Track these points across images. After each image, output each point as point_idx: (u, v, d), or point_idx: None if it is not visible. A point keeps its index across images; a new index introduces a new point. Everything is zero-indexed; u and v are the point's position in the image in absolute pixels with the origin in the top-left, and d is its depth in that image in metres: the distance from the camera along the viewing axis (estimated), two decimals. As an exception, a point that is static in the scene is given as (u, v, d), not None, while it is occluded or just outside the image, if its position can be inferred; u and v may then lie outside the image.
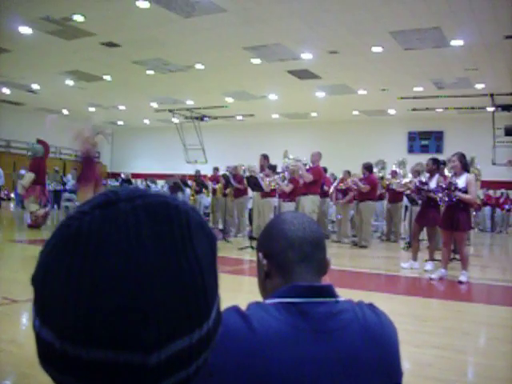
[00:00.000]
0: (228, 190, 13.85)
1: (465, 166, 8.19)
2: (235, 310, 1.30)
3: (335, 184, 13.63)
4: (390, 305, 6.43)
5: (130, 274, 0.53)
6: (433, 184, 8.97)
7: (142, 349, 0.53)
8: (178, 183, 17.22)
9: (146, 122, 26.64)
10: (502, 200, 19.56)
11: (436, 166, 9.53)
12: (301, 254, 1.40)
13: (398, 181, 12.57)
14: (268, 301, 1.34)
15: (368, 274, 9.20)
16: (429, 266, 9.30)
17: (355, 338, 1.29)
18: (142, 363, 0.53)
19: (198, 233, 0.61)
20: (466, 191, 7.90)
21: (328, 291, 1.36)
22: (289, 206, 11.72)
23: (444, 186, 8.15)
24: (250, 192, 13.41)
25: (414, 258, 9.52)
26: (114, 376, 0.53)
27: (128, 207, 0.56)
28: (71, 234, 0.55)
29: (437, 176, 9.31)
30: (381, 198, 14.02)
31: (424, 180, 9.55)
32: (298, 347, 1.24)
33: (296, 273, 1.39)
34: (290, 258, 1.41)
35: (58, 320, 0.54)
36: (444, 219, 8.33)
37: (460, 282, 8.03)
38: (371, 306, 1.41)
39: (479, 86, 16.12)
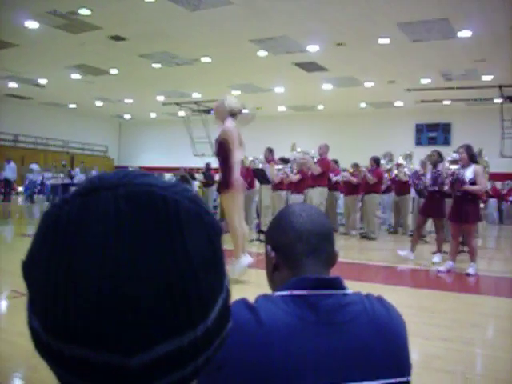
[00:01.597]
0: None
1: (472, 157, 8.16)
2: (243, 302, 1.31)
3: (343, 177, 13.59)
4: (397, 297, 6.43)
5: (106, 271, 0.48)
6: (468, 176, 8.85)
7: (121, 351, 0.49)
8: (185, 176, 17.23)
9: (153, 115, 26.65)
10: (504, 192, 19.41)
11: (441, 159, 9.55)
12: (309, 247, 1.40)
13: (405, 170, 12.62)
14: (276, 293, 1.35)
15: (376, 266, 9.20)
16: (436, 258, 9.29)
17: (364, 330, 1.30)
18: (123, 365, 0.49)
19: (192, 225, 0.54)
20: (473, 183, 7.89)
21: (336, 283, 1.36)
22: (297, 199, 11.74)
23: (450, 178, 8.17)
24: (256, 185, 13.41)
25: (412, 249, 9.51)
26: (98, 374, 0.50)
27: (109, 196, 0.52)
28: (51, 222, 0.53)
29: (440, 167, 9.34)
30: (388, 190, 14.01)
31: (420, 172, 9.63)
32: (306, 339, 1.25)
33: (304, 265, 1.39)
34: (298, 251, 1.41)
35: (42, 311, 0.52)
36: (452, 211, 8.32)
37: (468, 275, 8.02)
38: (380, 298, 1.42)
39: (487, 78, 16.04)
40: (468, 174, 7.97)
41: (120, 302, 0.48)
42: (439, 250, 9.48)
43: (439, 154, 9.59)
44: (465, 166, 8.09)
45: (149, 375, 0.51)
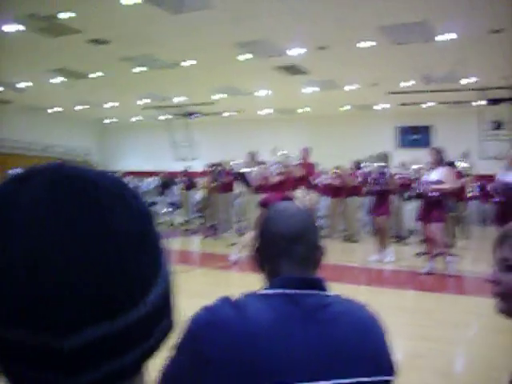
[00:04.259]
0: (213, 185, 13.87)
1: (440, 159, 8.33)
2: (226, 300, 1.34)
3: (326, 180, 13.64)
4: (381, 298, 6.48)
5: (31, 255, 0.49)
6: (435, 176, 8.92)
7: (52, 331, 0.49)
8: (167, 180, 17.30)
9: (135, 119, 26.53)
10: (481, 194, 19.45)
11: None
12: (279, 249, 1.44)
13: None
14: (261, 291, 1.38)
15: (359, 268, 9.25)
16: (374, 257, 9.69)
17: (345, 330, 1.33)
18: (56, 348, 0.50)
19: (115, 207, 0.55)
20: (441, 183, 8.08)
21: (318, 284, 1.41)
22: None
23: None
24: (236, 188, 13.45)
25: (381, 250, 9.67)
26: (34, 358, 0.50)
27: (37, 182, 0.54)
28: None
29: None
30: (369, 193, 14.10)
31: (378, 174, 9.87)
32: (291, 335, 1.27)
33: (278, 266, 1.43)
34: (271, 253, 1.46)
35: None
36: (421, 213, 8.52)
37: (428, 273, 8.19)
38: (360, 303, 1.46)
39: (467, 81, 16.16)
40: (433, 175, 8.15)
41: (47, 284, 0.49)
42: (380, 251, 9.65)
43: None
44: (433, 168, 8.26)
45: (84, 361, 0.51)
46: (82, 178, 0.55)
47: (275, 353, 1.24)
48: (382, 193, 9.72)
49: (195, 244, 12.87)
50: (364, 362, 1.30)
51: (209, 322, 1.29)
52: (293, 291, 1.35)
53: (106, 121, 27.72)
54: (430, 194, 8.19)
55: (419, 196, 8.72)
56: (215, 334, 1.26)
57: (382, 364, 1.34)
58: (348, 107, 21.52)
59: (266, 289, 1.39)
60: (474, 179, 14.96)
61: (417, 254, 10.22)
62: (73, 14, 11.30)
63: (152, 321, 0.57)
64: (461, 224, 14.06)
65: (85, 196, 0.53)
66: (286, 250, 1.44)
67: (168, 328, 0.61)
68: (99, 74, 16.75)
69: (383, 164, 10.11)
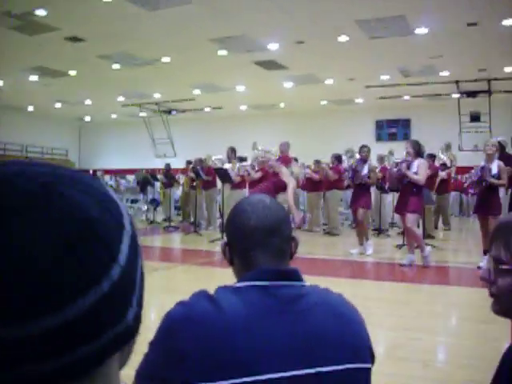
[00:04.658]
0: (196, 183, 13.89)
1: (418, 152, 8.43)
2: (202, 293, 1.34)
3: (305, 174, 13.68)
4: (362, 290, 6.53)
5: None
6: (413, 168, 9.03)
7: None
8: (146, 177, 17.18)
9: (114, 116, 26.38)
10: (465, 185, 19.72)
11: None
12: (254, 242, 1.44)
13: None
14: (236, 284, 1.38)
15: (339, 260, 9.31)
16: (355, 250, 9.75)
17: (322, 319, 1.34)
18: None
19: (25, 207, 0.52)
20: (416, 173, 8.23)
21: (294, 275, 1.41)
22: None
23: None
24: (218, 184, 13.45)
25: (361, 243, 9.75)
26: None
27: None
28: None
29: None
30: (349, 186, 14.20)
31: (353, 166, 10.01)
32: (267, 327, 1.28)
33: (253, 259, 1.43)
34: (244, 246, 1.46)
35: None
36: (398, 205, 8.64)
37: (402, 265, 8.26)
38: (337, 293, 1.47)
39: (444, 73, 16.29)
40: (414, 167, 8.27)
41: None
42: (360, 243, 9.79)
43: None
44: (411, 160, 8.36)
45: (28, 353, 0.50)
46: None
47: (252, 345, 1.24)
48: (363, 185, 9.78)
49: (176, 241, 12.84)
50: (342, 350, 1.31)
51: (184, 316, 1.28)
52: (268, 283, 1.35)
53: (86, 118, 27.51)
54: (404, 182, 8.33)
55: (397, 187, 8.85)
56: (191, 328, 1.26)
57: (361, 351, 1.35)
58: (326, 102, 21.59)
59: (240, 281, 1.39)
60: (457, 170, 15.13)
61: (397, 245, 10.31)
62: (49, 12, 11.21)
63: (104, 315, 0.55)
64: (442, 215, 14.21)
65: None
66: (262, 243, 1.43)
67: (123, 333, 0.58)
68: (77, 71, 16.63)
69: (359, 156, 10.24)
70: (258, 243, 1.44)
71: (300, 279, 1.41)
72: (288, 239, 1.48)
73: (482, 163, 8.19)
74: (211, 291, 1.35)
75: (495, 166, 8.01)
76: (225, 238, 1.53)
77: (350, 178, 10.05)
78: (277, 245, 1.45)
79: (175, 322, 1.29)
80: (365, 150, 10.22)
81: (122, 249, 0.57)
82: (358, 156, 10.42)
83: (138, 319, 0.60)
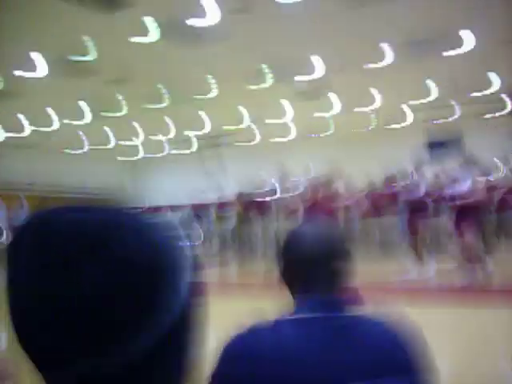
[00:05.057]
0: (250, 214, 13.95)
1: (471, 168, 8.38)
2: (258, 326, 1.35)
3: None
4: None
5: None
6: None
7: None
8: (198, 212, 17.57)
9: (166, 153, 26.75)
10: None
11: None
12: (300, 273, 1.44)
13: None
14: (290, 316, 1.38)
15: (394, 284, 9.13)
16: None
17: (377, 345, 1.32)
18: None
19: (89, 258, 0.54)
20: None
21: (343, 305, 1.39)
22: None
23: None
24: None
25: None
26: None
27: (28, 231, 0.57)
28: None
29: None
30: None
31: None
32: (322, 357, 1.27)
33: (302, 289, 1.42)
34: (293, 276, 1.46)
35: None
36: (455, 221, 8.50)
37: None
38: (391, 320, 1.42)
39: (493, 89, 15.99)
40: (464, 185, 8.21)
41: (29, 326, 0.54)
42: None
43: None
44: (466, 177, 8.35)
45: None
46: (55, 231, 0.56)
47: (309, 375, 1.25)
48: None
49: (231, 272, 12.84)
50: (394, 375, 1.29)
51: (243, 348, 1.30)
52: (321, 315, 1.34)
53: (138, 157, 27.96)
54: (458, 203, 8.17)
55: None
56: (250, 360, 1.27)
57: (414, 377, 1.33)
58: (375, 123, 21.38)
59: (294, 312, 1.39)
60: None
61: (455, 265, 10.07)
62: (96, 56, 11.56)
63: (152, 364, 0.57)
64: (502, 233, 13.84)
65: (52, 248, 0.55)
66: (307, 274, 1.42)
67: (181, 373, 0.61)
68: (124, 112, 16.98)
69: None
70: (304, 274, 1.43)
71: (345, 309, 1.38)
72: (338, 271, 1.45)
73: None
74: (268, 321, 1.36)
75: None
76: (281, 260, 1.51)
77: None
78: (322, 277, 1.42)
79: (234, 355, 1.30)
80: None
81: (162, 288, 0.58)
82: None
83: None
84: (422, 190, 9.67)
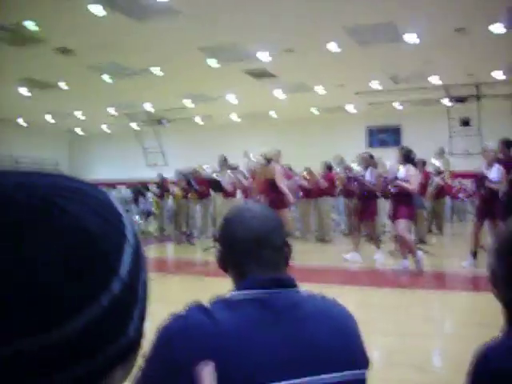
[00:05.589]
0: (190, 194, 13.87)
1: (406, 157, 8.49)
2: (198, 306, 1.34)
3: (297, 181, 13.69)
4: (355, 296, 6.53)
5: None
6: (367, 176, 9.32)
7: None
8: (139, 189, 17.31)
9: (105, 128, 26.31)
10: (454, 190, 19.70)
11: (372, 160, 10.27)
12: (244, 253, 1.44)
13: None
14: (231, 296, 1.38)
15: (333, 267, 9.30)
16: (378, 255, 9.64)
17: (319, 327, 1.34)
18: None
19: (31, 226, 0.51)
20: (407, 181, 8.21)
21: (287, 282, 1.40)
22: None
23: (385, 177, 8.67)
24: (211, 193, 13.45)
25: (356, 250, 9.75)
26: None
27: None
28: None
29: (369, 169, 9.90)
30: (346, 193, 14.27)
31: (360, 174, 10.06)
32: (263, 337, 1.28)
33: (245, 269, 1.42)
34: (235, 257, 1.46)
35: None
36: (390, 211, 8.69)
37: (400, 270, 8.28)
38: (331, 298, 1.47)
39: (434, 79, 16.37)
40: (400, 173, 8.36)
41: None
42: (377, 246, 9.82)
43: (371, 157, 10.37)
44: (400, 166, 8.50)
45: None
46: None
47: (248, 356, 1.24)
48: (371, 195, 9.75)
49: (170, 251, 12.82)
50: (338, 358, 1.31)
51: (180, 329, 1.28)
52: (261, 292, 1.34)
53: (76, 130, 27.41)
54: (392, 190, 8.38)
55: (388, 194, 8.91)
56: (187, 341, 1.25)
57: (356, 358, 1.36)
58: (317, 110, 21.62)
59: (234, 292, 1.38)
60: (452, 175, 15.11)
61: (389, 251, 10.32)
62: (37, 23, 11.20)
63: (109, 325, 0.54)
64: (436, 220, 14.27)
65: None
66: (252, 254, 1.43)
67: (125, 347, 0.57)
68: (67, 83, 16.59)
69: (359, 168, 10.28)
70: (249, 254, 1.43)
71: (294, 286, 1.40)
72: (280, 248, 1.47)
73: (482, 169, 8.36)
74: (206, 303, 1.35)
75: (495, 171, 8.12)
76: (218, 247, 1.52)
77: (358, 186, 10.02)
78: (268, 255, 1.43)
79: (170, 335, 1.28)
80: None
81: (124, 261, 0.56)
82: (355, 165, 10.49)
83: (139, 333, 0.60)
84: (367, 178, 9.86)
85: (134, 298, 0.58)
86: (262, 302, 1.33)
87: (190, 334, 1.26)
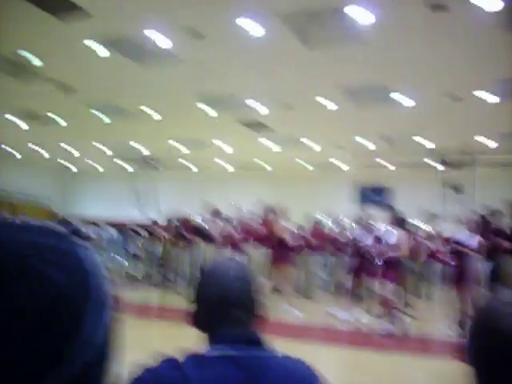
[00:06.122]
0: (176, 240, 13.81)
1: (399, 222, 8.56)
2: (171, 362, 1.34)
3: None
4: (331, 356, 6.47)
5: None
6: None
7: None
8: (127, 232, 17.31)
9: (98, 166, 26.33)
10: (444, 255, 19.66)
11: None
12: (215, 315, 1.46)
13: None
14: (203, 353, 1.38)
15: (314, 325, 9.23)
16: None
17: None
18: None
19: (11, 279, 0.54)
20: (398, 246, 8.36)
21: (256, 342, 1.42)
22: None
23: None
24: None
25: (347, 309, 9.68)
26: None
27: None
28: None
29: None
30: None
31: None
32: None
33: (217, 329, 1.44)
34: (208, 318, 1.47)
35: None
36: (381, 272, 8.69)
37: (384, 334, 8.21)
38: (298, 359, 1.47)
39: (427, 144, 16.53)
40: (392, 238, 8.45)
41: None
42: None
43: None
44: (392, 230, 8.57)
45: None
46: None
47: None
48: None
49: (154, 297, 12.67)
50: None
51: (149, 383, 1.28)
52: (231, 351, 1.36)
53: (70, 166, 27.39)
54: (389, 256, 8.37)
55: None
56: None
57: None
58: (310, 164, 21.67)
59: (207, 349, 1.40)
60: (444, 241, 15.11)
61: (376, 314, 10.24)
62: (43, 61, 11.35)
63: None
64: (423, 285, 14.16)
65: None
66: (221, 312, 1.44)
67: None
68: (64, 119, 16.65)
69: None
70: (218, 312, 1.45)
71: (263, 346, 1.41)
72: (250, 307, 1.48)
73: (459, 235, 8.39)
74: (179, 357, 1.35)
75: (476, 240, 8.19)
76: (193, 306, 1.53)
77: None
78: (238, 314, 1.45)
79: None
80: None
81: (86, 320, 0.57)
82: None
83: None
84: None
85: (100, 352, 0.59)
86: (233, 363, 1.33)
87: None
